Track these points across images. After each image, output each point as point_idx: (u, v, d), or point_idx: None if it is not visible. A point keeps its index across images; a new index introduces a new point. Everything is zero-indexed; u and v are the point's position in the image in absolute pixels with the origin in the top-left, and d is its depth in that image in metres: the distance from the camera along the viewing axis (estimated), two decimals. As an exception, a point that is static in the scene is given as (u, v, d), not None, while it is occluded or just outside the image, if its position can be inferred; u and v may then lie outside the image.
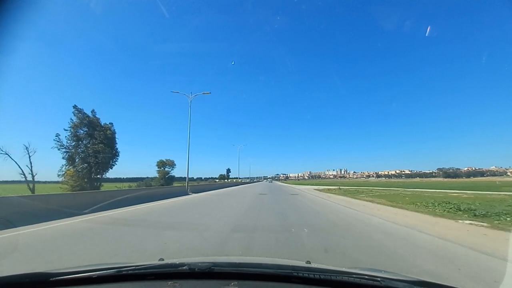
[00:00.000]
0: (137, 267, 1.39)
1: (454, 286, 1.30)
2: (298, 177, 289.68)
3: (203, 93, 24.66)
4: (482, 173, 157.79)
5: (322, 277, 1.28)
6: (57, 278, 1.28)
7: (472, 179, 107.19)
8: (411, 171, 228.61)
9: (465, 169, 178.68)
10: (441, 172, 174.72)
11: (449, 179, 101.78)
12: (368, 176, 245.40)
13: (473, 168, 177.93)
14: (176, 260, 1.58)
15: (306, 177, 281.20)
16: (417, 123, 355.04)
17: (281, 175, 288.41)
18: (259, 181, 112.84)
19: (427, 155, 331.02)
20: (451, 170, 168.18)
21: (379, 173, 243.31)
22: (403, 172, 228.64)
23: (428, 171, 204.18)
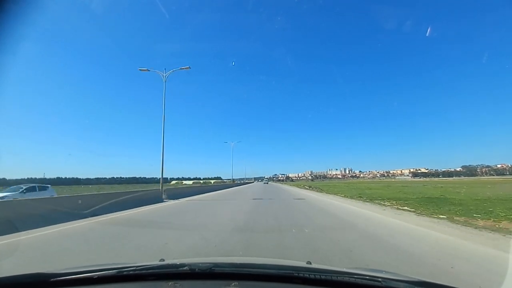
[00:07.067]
0: (137, 268, 1.36)
1: (455, 286, 1.24)
2: (299, 177, 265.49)
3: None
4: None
5: (323, 277, 1.25)
6: (58, 278, 1.27)
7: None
8: (427, 169, 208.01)
9: (499, 165, 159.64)
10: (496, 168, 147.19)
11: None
12: (383, 175, 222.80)
13: (509, 165, 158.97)
14: (177, 261, 1.57)
15: (309, 177, 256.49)
16: (432, 121, 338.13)
17: (280, 175, 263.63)
18: (250, 183, 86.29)
19: (448, 153, 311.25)
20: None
21: (391, 172, 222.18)
22: (419, 171, 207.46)
23: (452, 169, 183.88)
